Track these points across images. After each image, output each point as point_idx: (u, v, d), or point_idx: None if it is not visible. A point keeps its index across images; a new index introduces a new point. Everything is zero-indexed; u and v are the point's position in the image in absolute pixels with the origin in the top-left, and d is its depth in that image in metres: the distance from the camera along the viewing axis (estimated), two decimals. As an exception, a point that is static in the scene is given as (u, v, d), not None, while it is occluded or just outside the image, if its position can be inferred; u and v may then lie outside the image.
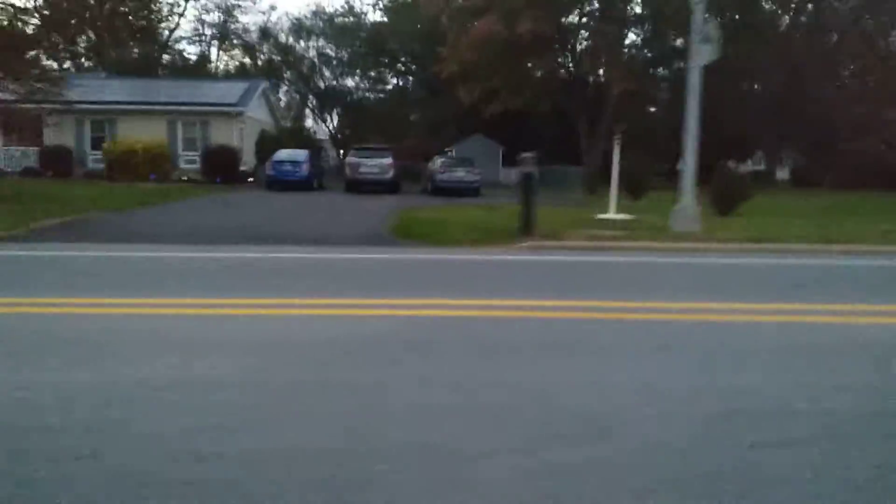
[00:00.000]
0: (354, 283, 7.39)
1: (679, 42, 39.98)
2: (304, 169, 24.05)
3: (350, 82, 47.57)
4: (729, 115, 37.54)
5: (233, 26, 49.59)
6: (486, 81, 35.64)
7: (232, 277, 7.57)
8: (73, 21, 50.53)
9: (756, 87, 37.84)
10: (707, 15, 11.93)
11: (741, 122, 37.12)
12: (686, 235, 11.44)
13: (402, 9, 43.54)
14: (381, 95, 49.78)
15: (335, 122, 50.67)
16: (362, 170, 24.06)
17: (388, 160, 24.31)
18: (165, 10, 48.94)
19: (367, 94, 49.11)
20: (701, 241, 11.21)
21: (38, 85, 18.77)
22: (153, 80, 30.41)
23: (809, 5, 35.77)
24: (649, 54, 38.11)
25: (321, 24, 46.94)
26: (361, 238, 11.28)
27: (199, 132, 27.77)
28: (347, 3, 43.97)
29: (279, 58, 47.37)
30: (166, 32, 50.34)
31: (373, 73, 47.37)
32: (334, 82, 47.50)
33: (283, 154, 24.57)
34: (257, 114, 30.86)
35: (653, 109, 41.74)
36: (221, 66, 50.81)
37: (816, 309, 6.03)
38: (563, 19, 31.93)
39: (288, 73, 46.41)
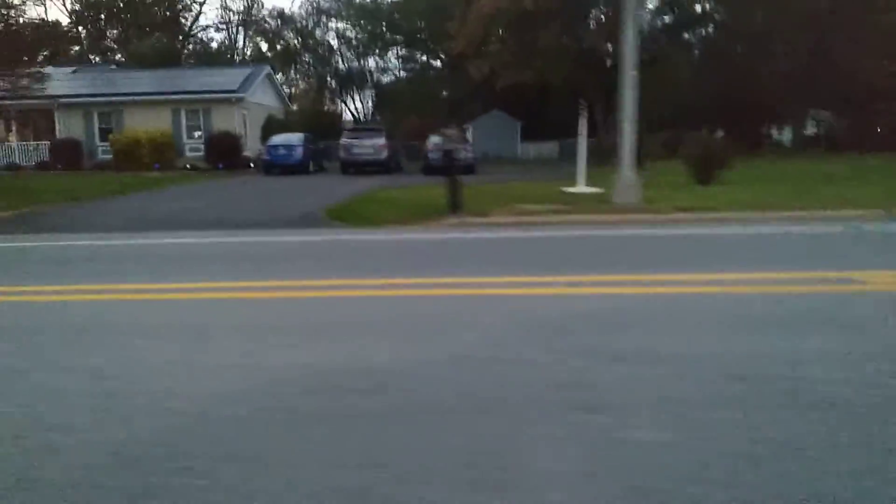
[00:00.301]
0: (247, 265, 7.24)
1: (700, 7, 38.73)
2: (299, 153, 24.18)
3: (372, 63, 47.43)
4: (756, 81, 36.13)
5: (257, 13, 50.05)
6: (494, 56, 35.09)
7: (115, 263, 7.61)
8: (102, 15, 52.04)
9: (782, 50, 36.08)
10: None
11: (771, 88, 35.64)
12: (626, 207, 11.02)
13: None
14: (409, 75, 49.55)
15: (368, 104, 50.83)
16: (355, 151, 24.05)
17: (382, 140, 24.22)
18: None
19: (393, 74, 49.03)
20: (639, 212, 10.81)
21: (24, 81, 19.29)
22: (159, 71, 30.87)
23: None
24: (666, 20, 36.79)
25: (340, 5, 46.98)
26: (293, 221, 11.24)
27: (203, 120, 28.15)
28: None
29: (298, 41, 47.61)
30: (191, 20, 51.30)
31: (397, 53, 47.11)
32: (356, 63, 47.46)
33: (278, 139, 24.77)
34: (262, 99, 31.11)
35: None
36: (249, 53, 51.26)
37: (677, 279, 5.70)
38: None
39: (307, 56, 46.55)
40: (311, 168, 24.91)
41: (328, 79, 48.61)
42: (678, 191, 14.89)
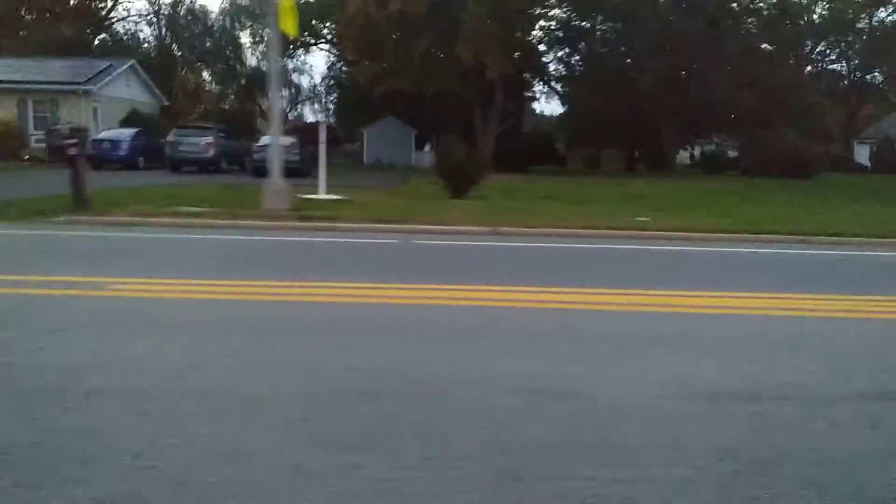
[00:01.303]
0: None
1: (583, 23, 39.19)
2: (125, 148, 23.99)
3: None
4: (640, 105, 36.67)
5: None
6: (374, 64, 35.29)
7: None
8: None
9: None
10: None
11: (654, 114, 36.15)
12: (272, 214, 11.07)
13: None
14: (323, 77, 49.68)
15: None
16: (182, 148, 23.96)
17: (209, 139, 24.23)
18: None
19: (309, 76, 49.15)
20: (283, 219, 10.87)
21: None
22: (9, 59, 30.39)
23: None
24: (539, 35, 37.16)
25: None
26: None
27: (50, 111, 27.81)
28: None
29: (210, 40, 47.32)
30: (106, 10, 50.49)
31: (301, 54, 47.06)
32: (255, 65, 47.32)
33: (105, 134, 24.63)
34: (124, 93, 30.81)
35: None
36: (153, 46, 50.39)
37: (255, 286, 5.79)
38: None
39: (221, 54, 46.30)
40: (142, 164, 24.65)
41: (239, 79, 48.29)
42: (417, 202, 15.07)
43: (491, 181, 18.60)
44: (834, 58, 60.40)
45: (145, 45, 46.22)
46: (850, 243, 10.43)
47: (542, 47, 38.39)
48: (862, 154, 49.09)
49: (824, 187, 24.74)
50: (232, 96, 47.39)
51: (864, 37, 57.78)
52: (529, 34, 35.15)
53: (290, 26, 11.20)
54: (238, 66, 47.29)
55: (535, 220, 11.54)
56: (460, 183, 16.48)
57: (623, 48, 36.39)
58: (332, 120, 53.74)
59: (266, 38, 46.55)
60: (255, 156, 23.57)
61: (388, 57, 34.19)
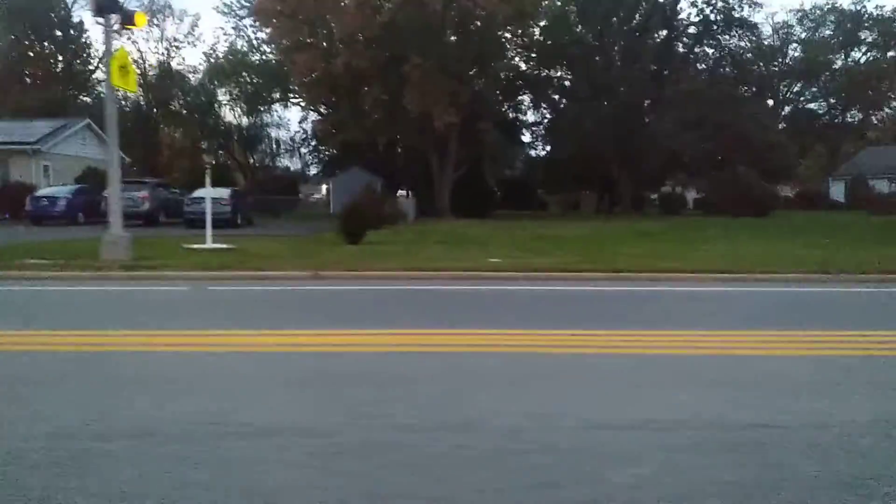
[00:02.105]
0: None
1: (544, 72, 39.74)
2: (63, 204, 24.35)
3: (246, 120, 48.33)
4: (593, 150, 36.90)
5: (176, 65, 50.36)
6: (331, 115, 35.96)
7: None
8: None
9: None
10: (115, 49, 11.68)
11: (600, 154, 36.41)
12: (103, 265, 11.08)
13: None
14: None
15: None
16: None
17: (144, 193, 24.53)
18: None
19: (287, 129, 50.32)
20: (108, 269, 10.85)
21: None
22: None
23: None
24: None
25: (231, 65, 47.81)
26: None
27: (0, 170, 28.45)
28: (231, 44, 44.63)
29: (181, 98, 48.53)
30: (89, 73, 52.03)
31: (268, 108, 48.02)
32: (234, 121, 48.38)
33: (43, 191, 25.06)
34: (79, 151, 31.48)
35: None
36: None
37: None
38: (385, 54, 31.80)
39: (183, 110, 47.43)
40: (82, 219, 24.95)
41: (216, 135, 49.23)
42: (301, 249, 15.07)
43: (418, 226, 18.67)
44: (810, 97, 60.74)
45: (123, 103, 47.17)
46: (702, 279, 10.21)
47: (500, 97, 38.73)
48: (838, 191, 48.77)
49: (762, 226, 24.49)
50: (205, 152, 48.21)
51: (839, 76, 58.30)
52: (479, 84, 35.52)
53: (127, 83, 11.41)
54: (213, 123, 48.28)
55: (383, 264, 11.47)
56: (354, 230, 16.50)
57: (576, 95, 36.79)
58: (310, 171, 54.74)
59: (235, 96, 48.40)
60: (187, 208, 23.81)
61: (342, 108, 34.84)
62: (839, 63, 59.31)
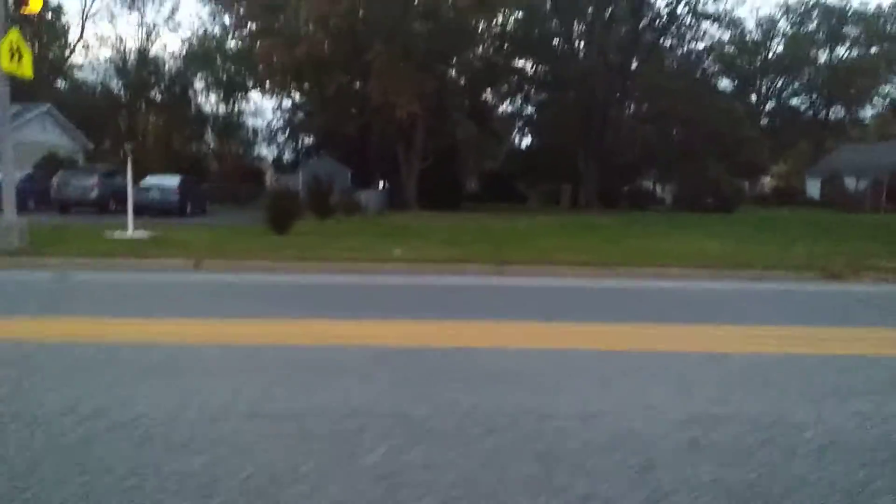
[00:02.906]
0: None
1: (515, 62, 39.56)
2: (12, 190, 24.19)
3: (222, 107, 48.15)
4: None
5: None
6: (298, 102, 35.79)
7: None
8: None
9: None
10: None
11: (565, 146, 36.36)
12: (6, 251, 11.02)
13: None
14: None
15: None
16: (67, 190, 24.21)
17: (94, 180, 24.43)
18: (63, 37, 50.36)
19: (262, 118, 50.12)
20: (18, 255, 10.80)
21: None
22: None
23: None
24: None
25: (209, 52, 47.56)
26: None
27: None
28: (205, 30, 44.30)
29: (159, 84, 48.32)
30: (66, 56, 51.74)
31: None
32: (210, 108, 48.21)
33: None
34: (38, 137, 31.34)
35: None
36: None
37: None
38: (349, 42, 31.61)
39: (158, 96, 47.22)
40: (32, 206, 24.84)
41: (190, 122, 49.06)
42: (225, 238, 15.01)
43: (373, 218, 18.64)
44: (792, 93, 60.61)
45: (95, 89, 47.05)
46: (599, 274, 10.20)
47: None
48: (814, 187, 48.74)
49: (712, 222, 24.43)
50: (178, 139, 48.01)
51: (823, 72, 58.16)
52: (449, 75, 35.33)
53: (21, 67, 11.27)
54: (189, 111, 48.09)
55: (278, 254, 11.42)
56: (279, 220, 16.43)
57: (546, 87, 36.64)
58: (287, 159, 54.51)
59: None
60: (136, 196, 23.63)
61: (308, 96, 34.70)
62: (823, 59, 59.25)
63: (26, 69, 11.52)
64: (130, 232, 15.40)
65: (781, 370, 4.62)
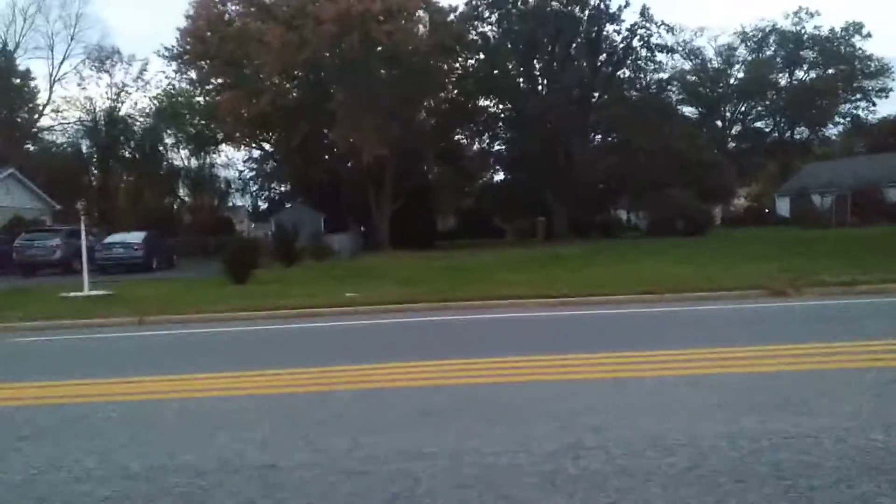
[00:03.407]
0: None
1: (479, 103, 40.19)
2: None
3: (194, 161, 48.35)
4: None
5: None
6: (265, 152, 36.02)
7: None
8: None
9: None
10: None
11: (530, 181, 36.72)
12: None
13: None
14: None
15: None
16: (29, 252, 24.05)
17: (56, 241, 24.30)
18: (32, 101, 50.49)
19: (236, 170, 50.38)
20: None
21: None
22: None
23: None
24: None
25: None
26: None
27: (-80, 221, 28.12)
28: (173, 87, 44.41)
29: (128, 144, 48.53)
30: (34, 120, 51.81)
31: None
32: (181, 163, 48.42)
33: None
34: (2, 201, 31.23)
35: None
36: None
37: None
38: (310, 91, 32.06)
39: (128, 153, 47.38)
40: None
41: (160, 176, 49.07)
42: (181, 292, 14.90)
43: (341, 262, 18.61)
44: (755, 116, 61.95)
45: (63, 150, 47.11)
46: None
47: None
48: (783, 206, 49.43)
49: (682, 245, 24.64)
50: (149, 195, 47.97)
51: (784, 95, 59.59)
52: (417, 117, 35.78)
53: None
54: (159, 166, 48.18)
55: (227, 305, 11.38)
56: (238, 270, 16.39)
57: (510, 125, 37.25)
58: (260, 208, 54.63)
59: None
60: (98, 254, 23.57)
61: (274, 146, 34.94)
62: (783, 82, 60.75)
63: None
64: (86, 291, 15.24)
65: (673, 393, 4.63)
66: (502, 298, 10.83)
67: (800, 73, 60.91)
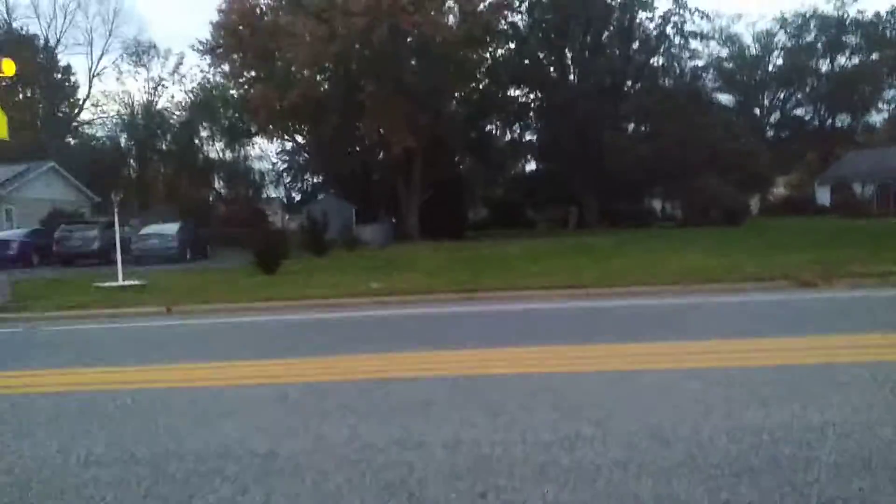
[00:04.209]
0: None
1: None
2: (15, 247, 24.64)
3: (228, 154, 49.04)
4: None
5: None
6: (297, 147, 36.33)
7: None
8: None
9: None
10: None
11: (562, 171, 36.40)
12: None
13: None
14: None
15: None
16: (69, 243, 24.69)
17: (94, 233, 24.89)
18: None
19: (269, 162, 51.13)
20: None
21: None
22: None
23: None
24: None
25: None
26: None
27: (-38, 213, 29.14)
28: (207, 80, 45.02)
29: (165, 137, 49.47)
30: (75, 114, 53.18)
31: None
32: (216, 155, 49.18)
33: (-1, 235, 25.54)
34: (44, 193, 32.12)
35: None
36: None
37: None
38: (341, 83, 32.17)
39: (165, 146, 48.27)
40: (36, 261, 25.34)
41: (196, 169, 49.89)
42: (210, 282, 15.17)
43: (370, 252, 19.22)
44: (795, 104, 60.33)
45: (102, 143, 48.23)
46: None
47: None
48: (824, 195, 48.17)
49: (714, 235, 24.18)
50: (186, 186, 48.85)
51: (826, 81, 57.89)
52: (446, 108, 35.69)
53: (-3, 130, 11.61)
54: (195, 159, 48.96)
55: (254, 294, 11.55)
56: (268, 261, 16.61)
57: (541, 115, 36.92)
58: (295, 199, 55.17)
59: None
60: (133, 245, 24.10)
61: (305, 138, 35.21)
62: (825, 68, 59.03)
63: (1, 131, 11.84)
64: (119, 281, 15.60)
65: (668, 387, 4.56)
66: (525, 289, 10.77)
67: (841, 59, 59.08)
